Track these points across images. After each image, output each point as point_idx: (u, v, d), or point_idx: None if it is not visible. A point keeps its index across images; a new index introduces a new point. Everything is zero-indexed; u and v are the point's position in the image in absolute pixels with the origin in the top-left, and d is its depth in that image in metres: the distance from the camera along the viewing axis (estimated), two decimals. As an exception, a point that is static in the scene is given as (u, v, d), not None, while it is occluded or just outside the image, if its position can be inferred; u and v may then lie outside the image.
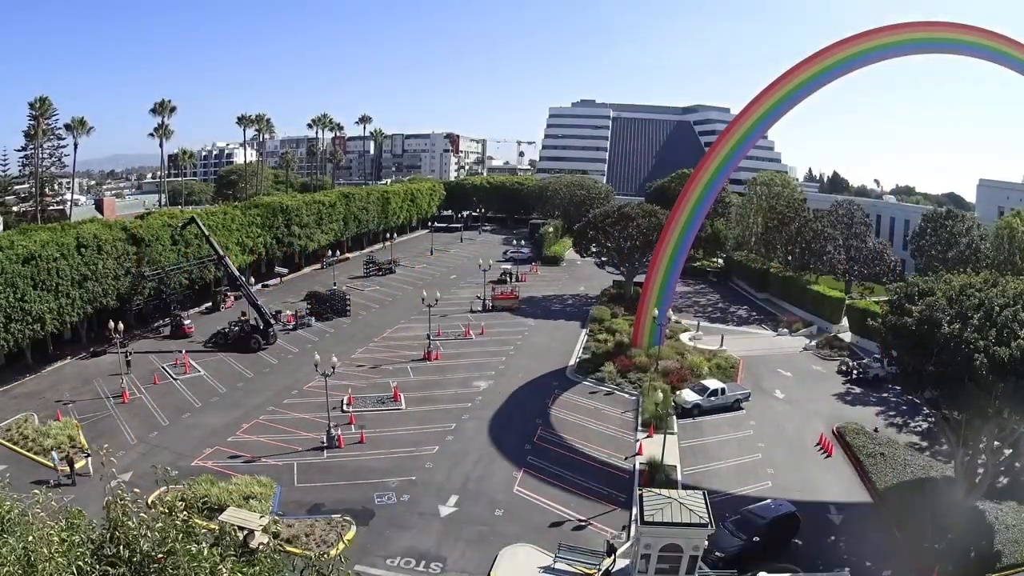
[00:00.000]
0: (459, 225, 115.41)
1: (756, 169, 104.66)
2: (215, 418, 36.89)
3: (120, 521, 7.71)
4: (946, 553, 25.09)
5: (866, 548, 26.51)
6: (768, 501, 28.23)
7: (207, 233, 54.24)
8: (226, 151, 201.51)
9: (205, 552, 7.94)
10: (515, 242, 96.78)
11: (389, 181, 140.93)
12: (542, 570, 24.39)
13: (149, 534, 7.75)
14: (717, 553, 24.96)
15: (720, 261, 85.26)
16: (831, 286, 63.76)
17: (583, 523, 27.62)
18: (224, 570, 7.81)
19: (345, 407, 38.27)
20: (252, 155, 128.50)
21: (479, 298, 64.02)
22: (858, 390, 43.75)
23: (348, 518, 26.82)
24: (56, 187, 78.25)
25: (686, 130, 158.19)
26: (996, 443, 27.49)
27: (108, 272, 46.37)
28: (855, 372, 45.89)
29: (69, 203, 76.79)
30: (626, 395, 41.56)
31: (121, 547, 7.50)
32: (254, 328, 49.65)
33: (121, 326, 40.56)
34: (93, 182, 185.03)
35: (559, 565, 24.48)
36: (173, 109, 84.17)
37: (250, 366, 45.46)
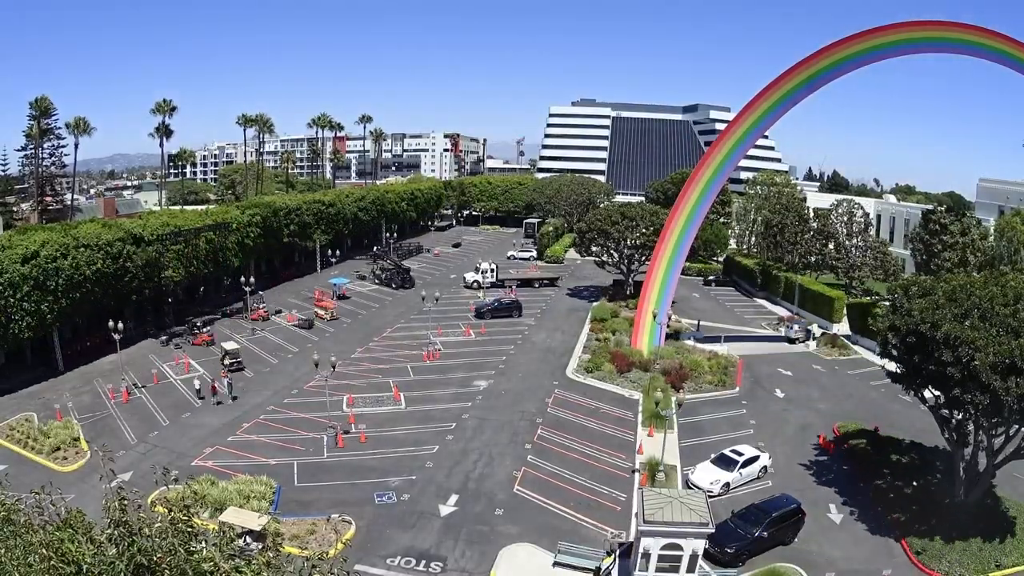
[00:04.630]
0: (459, 224, 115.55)
1: (756, 169, 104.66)
2: (215, 418, 36.89)
3: (120, 521, 7.71)
4: (946, 553, 25.12)
5: (866, 546, 26.52)
6: (774, 496, 28.32)
7: None
8: (226, 151, 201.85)
9: (205, 552, 7.94)
10: (515, 242, 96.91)
11: (389, 180, 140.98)
12: (553, 564, 24.37)
13: (149, 534, 7.76)
14: (727, 548, 24.98)
15: (720, 262, 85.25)
16: (831, 285, 63.79)
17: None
18: (224, 570, 7.80)
19: (345, 407, 38.27)
20: (252, 155, 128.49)
21: (480, 297, 64.17)
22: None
23: (348, 518, 26.82)
24: (56, 187, 78.25)
25: (686, 129, 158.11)
26: (996, 442, 27.48)
27: (108, 272, 46.28)
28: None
29: (70, 203, 76.82)
30: (626, 394, 41.57)
31: (121, 547, 7.50)
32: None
33: (120, 325, 40.48)
34: (93, 182, 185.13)
35: (559, 565, 24.47)
36: (174, 109, 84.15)
37: (250, 366, 45.46)
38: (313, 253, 78.56)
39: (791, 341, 53.93)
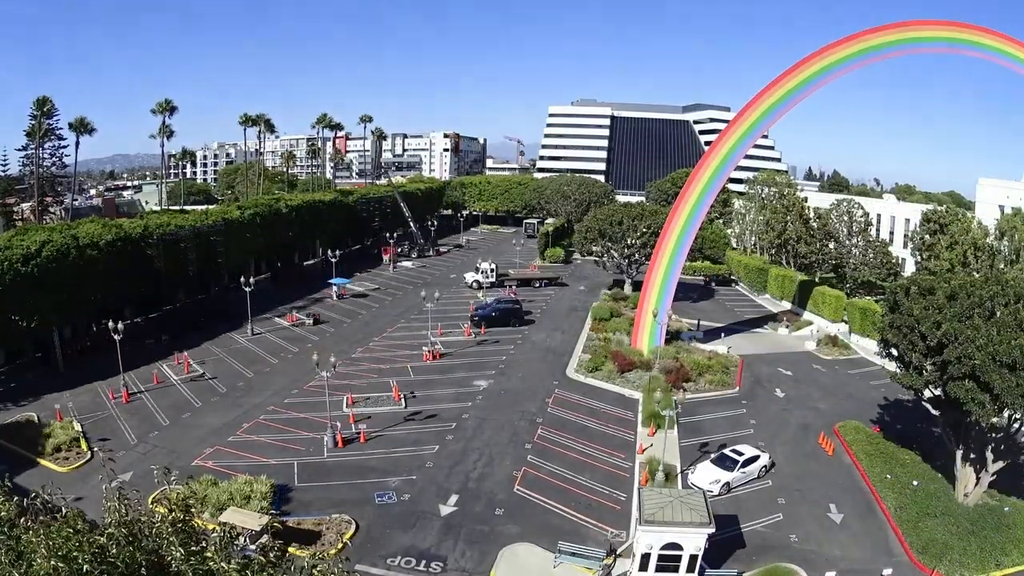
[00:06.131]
0: (459, 224, 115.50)
1: (756, 169, 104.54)
2: (215, 418, 36.89)
3: (124, 521, 7.73)
4: (946, 553, 25.12)
5: (866, 546, 26.52)
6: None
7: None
8: (227, 150, 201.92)
9: (206, 553, 7.95)
10: (514, 241, 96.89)
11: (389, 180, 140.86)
12: (554, 564, 24.35)
13: (149, 534, 7.77)
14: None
15: (722, 263, 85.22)
16: (831, 285, 63.74)
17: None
18: (225, 571, 7.81)
19: (345, 406, 38.27)
20: (253, 155, 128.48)
21: (479, 297, 64.19)
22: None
23: (348, 518, 26.83)
24: (58, 188, 78.16)
25: (686, 129, 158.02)
26: (996, 442, 27.49)
27: (108, 272, 46.22)
28: None
29: (70, 203, 76.72)
30: (626, 394, 41.57)
31: (121, 547, 7.51)
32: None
33: (121, 326, 40.39)
34: (94, 181, 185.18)
35: (560, 564, 24.47)
36: (174, 109, 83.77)
37: (249, 365, 45.48)
38: (313, 253, 78.55)
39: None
